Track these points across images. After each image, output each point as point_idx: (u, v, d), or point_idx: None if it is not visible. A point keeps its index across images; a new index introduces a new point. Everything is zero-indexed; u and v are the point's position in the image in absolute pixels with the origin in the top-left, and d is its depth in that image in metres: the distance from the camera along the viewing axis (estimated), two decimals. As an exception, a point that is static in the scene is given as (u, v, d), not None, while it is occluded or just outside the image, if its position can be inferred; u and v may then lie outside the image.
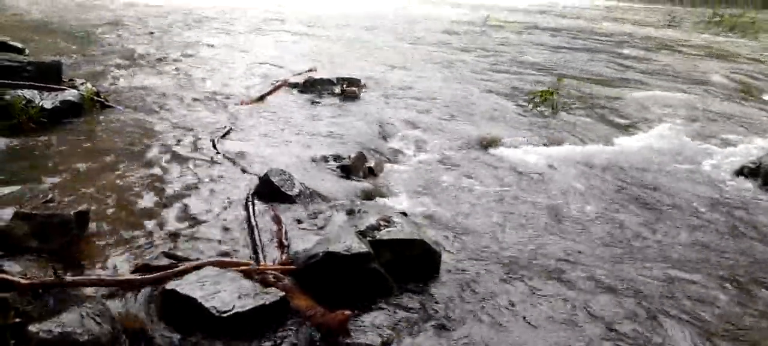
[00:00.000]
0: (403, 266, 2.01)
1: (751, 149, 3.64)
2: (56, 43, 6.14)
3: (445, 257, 2.14)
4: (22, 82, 3.57)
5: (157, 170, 2.77)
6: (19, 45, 4.66)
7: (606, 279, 2.13)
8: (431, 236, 2.24)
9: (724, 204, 2.88)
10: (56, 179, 2.54)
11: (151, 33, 7.20)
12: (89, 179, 2.57)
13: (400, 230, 2.11)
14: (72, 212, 2.06)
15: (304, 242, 2.15)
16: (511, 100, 4.83)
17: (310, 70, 5.26)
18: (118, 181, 2.59)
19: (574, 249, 2.35)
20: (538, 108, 4.51)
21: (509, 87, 5.35)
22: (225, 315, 1.62)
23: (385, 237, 2.06)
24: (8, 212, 2.06)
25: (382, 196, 2.83)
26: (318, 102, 4.41)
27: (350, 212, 2.40)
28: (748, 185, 3.12)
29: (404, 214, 2.37)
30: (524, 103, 4.67)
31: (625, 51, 8.18)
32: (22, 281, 1.60)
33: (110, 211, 2.29)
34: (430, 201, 2.76)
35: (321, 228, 2.31)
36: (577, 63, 6.90)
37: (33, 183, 2.46)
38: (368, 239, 2.04)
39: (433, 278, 2.04)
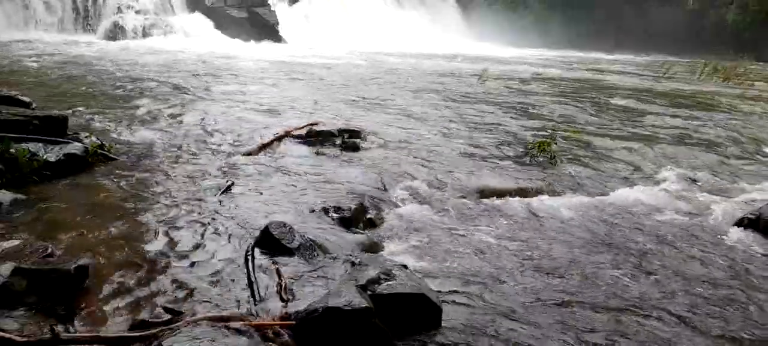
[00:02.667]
0: (404, 320, 1.99)
1: (749, 200, 3.65)
2: (64, 96, 6.26)
3: (446, 310, 2.12)
4: (27, 136, 3.63)
5: (157, 224, 2.78)
6: (27, 99, 4.76)
7: (607, 335, 2.09)
8: (432, 289, 2.22)
9: (725, 257, 2.87)
10: (57, 233, 2.54)
11: (156, 85, 7.35)
12: (90, 233, 2.57)
13: (400, 284, 2.10)
14: (71, 267, 2.06)
15: (303, 296, 2.14)
16: (510, 151, 4.88)
17: (313, 123, 5.34)
18: (118, 235, 2.59)
19: (574, 302, 2.33)
20: (536, 158, 4.55)
21: (507, 138, 5.42)
22: (222, 373, 1.59)
23: (386, 291, 2.04)
24: (8, 267, 2.05)
25: (382, 248, 2.82)
26: (319, 153, 4.46)
27: (350, 265, 2.39)
28: (749, 236, 3.11)
29: (404, 267, 2.36)
30: (522, 154, 4.72)
31: (622, 102, 8.32)
32: (18, 338, 1.59)
33: (110, 265, 2.28)
34: (430, 253, 2.76)
35: (321, 282, 2.30)
36: (574, 114, 7.01)
37: (34, 237, 2.47)
38: (368, 292, 2.03)
39: (434, 332, 2.01)
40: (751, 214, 3.25)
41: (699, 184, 4.16)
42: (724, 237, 3.11)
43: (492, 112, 6.84)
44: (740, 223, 3.24)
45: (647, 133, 5.97)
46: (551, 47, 27.49)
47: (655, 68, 15.79)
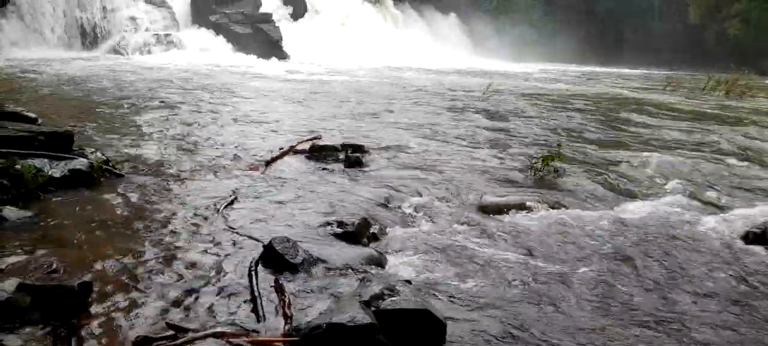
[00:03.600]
0: (408, 336, 1.98)
1: (754, 214, 3.63)
2: (70, 112, 6.31)
3: (450, 326, 2.11)
4: (33, 152, 3.65)
5: (161, 239, 2.78)
6: (33, 115, 4.79)
7: (615, 350, 2.08)
8: (436, 305, 2.21)
9: (731, 272, 2.85)
10: (61, 249, 2.55)
11: (161, 102, 7.41)
12: (94, 249, 2.58)
13: (404, 300, 2.09)
14: (75, 283, 2.06)
15: (307, 312, 2.13)
16: (514, 165, 4.88)
17: (316, 137, 5.37)
18: (122, 251, 2.59)
19: (579, 319, 2.31)
20: (541, 172, 4.54)
21: (511, 152, 5.42)
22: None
23: (390, 307, 2.03)
24: (12, 283, 2.05)
25: (386, 263, 2.81)
26: (323, 168, 4.47)
27: (354, 281, 2.38)
28: (755, 250, 3.09)
29: (408, 282, 2.35)
30: (526, 168, 4.72)
31: (626, 115, 8.33)
32: (22, 355, 1.59)
33: (114, 281, 2.28)
34: (435, 268, 2.75)
35: (325, 297, 2.29)
36: (578, 128, 7.01)
37: (38, 253, 2.47)
38: (372, 308, 2.02)
39: (439, 349, 2.00)
40: (756, 228, 3.24)
41: (703, 197, 4.15)
42: (730, 251, 3.09)
43: (495, 126, 6.85)
44: (746, 237, 3.22)
45: (651, 146, 5.97)
46: (553, 61, 27.62)
47: (657, 81, 15.83)
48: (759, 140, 6.56)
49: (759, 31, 23.88)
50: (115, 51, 17.52)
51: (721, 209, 3.87)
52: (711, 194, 4.25)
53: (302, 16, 24.90)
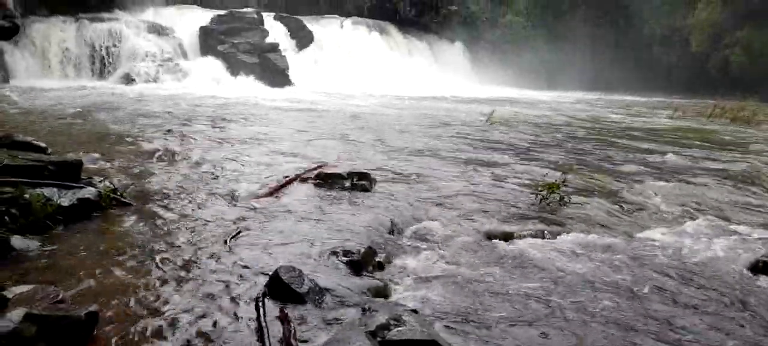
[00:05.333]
0: (415, 368, 1.96)
1: (762, 243, 3.60)
2: (79, 141, 6.39)
3: (457, 358, 2.09)
4: (42, 181, 3.69)
5: (169, 270, 2.79)
6: (43, 144, 4.86)
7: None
8: (443, 335, 2.19)
9: (740, 300, 2.82)
10: (68, 279, 2.56)
11: (169, 130, 7.49)
12: (101, 279, 2.58)
13: (410, 330, 2.08)
14: (82, 313, 2.07)
15: (313, 343, 2.12)
16: (519, 192, 4.88)
17: (322, 165, 5.40)
18: (129, 281, 2.60)
19: (590, 349, 2.28)
20: (546, 200, 4.54)
21: (516, 178, 5.42)
22: None
23: (396, 337, 2.02)
24: (18, 313, 2.06)
25: (392, 292, 2.80)
26: (329, 196, 4.48)
27: (360, 310, 2.37)
28: (763, 280, 3.05)
29: (415, 311, 2.34)
30: (532, 195, 4.71)
31: (631, 142, 8.33)
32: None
33: (120, 311, 2.28)
34: (441, 298, 2.73)
35: (331, 328, 2.28)
36: (584, 155, 7.02)
37: (45, 283, 2.48)
38: (378, 339, 2.01)
39: (446, 381, 1.98)
40: (765, 257, 3.21)
41: (710, 225, 4.12)
42: (738, 281, 3.06)
43: (500, 153, 6.87)
44: (755, 266, 3.19)
45: (657, 173, 5.96)
46: (557, 89, 27.79)
47: (662, 108, 15.87)
48: (763, 166, 6.53)
49: (761, 59, 23.98)
50: (125, 80, 17.79)
51: (730, 237, 3.84)
52: (719, 222, 4.22)
53: (308, 46, 25.26)
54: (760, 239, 3.77)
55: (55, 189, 3.61)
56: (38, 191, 3.50)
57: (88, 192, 3.70)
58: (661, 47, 29.48)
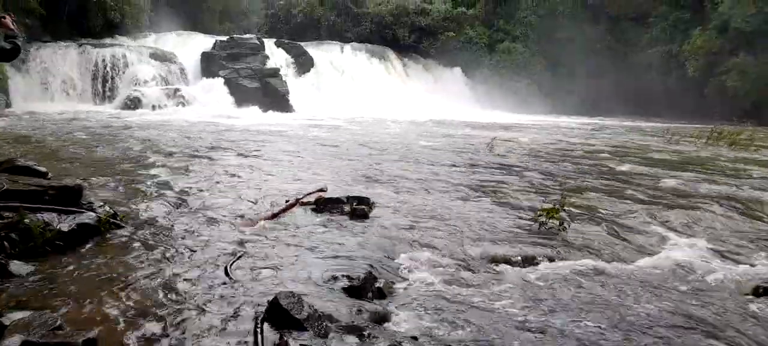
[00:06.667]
0: (414, 396, 1.94)
1: (762, 268, 3.59)
2: (80, 165, 6.41)
3: (457, 385, 2.07)
4: (42, 206, 3.70)
5: (167, 295, 2.78)
6: (43, 169, 4.89)
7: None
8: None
9: (741, 328, 2.80)
10: (67, 305, 2.55)
11: (171, 155, 7.52)
12: (99, 305, 2.57)
13: (410, 357, 2.06)
14: (80, 340, 2.06)
15: (312, 370, 2.10)
16: (519, 217, 4.88)
17: (321, 190, 5.41)
18: (127, 307, 2.59)
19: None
20: (546, 225, 4.54)
21: (516, 204, 5.43)
22: None
23: (396, 365, 2.01)
24: (16, 340, 2.05)
25: (392, 318, 2.78)
26: (328, 221, 4.48)
27: (359, 337, 2.36)
28: (763, 305, 3.04)
29: (415, 338, 2.32)
30: (531, 220, 4.72)
31: (629, 167, 8.36)
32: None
33: (120, 338, 2.27)
34: (441, 325, 2.71)
35: (329, 355, 2.26)
36: (582, 179, 7.04)
37: (44, 308, 2.47)
38: (378, 366, 1.99)
39: (446, 409, 1.96)
40: (764, 282, 3.20)
41: (710, 251, 4.11)
42: (738, 307, 3.05)
43: (500, 178, 6.89)
44: (755, 292, 3.18)
45: (656, 198, 5.97)
46: (555, 113, 27.97)
47: (658, 133, 15.95)
48: (764, 193, 6.55)
49: (756, 84, 24.21)
50: (127, 106, 17.93)
51: (729, 262, 3.83)
52: (718, 247, 4.21)
53: (308, 70, 25.53)
54: (761, 264, 3.77)
55: (55, 214, 3.62)
56: (39, 216, 3.51)
57: (88, 217, 3.71)
58: (658, 73, 29.78)
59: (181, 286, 2.91)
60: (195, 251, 3.52)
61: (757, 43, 24.47)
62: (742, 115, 23.23)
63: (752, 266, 3.74)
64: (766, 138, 14.56)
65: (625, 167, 8.37)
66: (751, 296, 3.16)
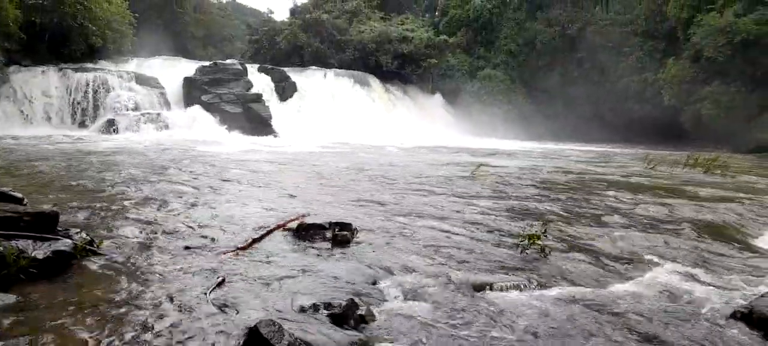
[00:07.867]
0: None
1: (740, 293, 3.66)
2: (57, 191, 6.29)
3: (440, 414, 2.05)
4: (17, 233, 3.61)
5: (145, 324, 2.72)
6: (19, 195, 4.78)
7: None
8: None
9: (721, 351, 2.84)
10: (41, 335, 2.47)
11: (149, 180, 7.43)
12: (75, 335, 2.50)
13: (392, 386, 2.04)
14: (53, 371, 2.00)
15: (292, 400, 2.06)
16: (501, 245, 4.90)
17: (303, 216, 5.38)
18: (105, 336, 2.53)
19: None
20: (527, 251, 4.57)
21: (498, 229, 5.46)
22: None
23: (378, 394, 1.99)
24: (-13, 372, 1.98)
25: (375, 345, 2.76)
26: (310, 247, 4.45)
27: (341, 366, 2.33)
28: (742, 329, 3.09)
29: (397, 367, 2.30)
30: (513, 246, 4.74)
31: (609, 193, 8.49)
32: None
33: (93, 369, 2.21)
34: (423, 352, 2.69)
35: (311, 384, 2.23)
36: (563, 207, 7.12)
37: (15, 337, 2.40)
38: (360, 395, 1.97)
39: None
40: (743, 308, 3.25)
41: (689, 276, 4.17)
42: (718, 331, 3.09)
43: (482, 205, 6.93)
44: (734, 316, 3.23)
45: (635, 224, 6.06)
46: (533, 139, 28.40)
47: (636, 159, 16.27)
48: (738, 217, 6.70)
49: (729, 112, 24.97)
50: (106, 130, 17.73)
51: (708, 286, 3.89)
52: (696, 272, 4.28)
53: (291, 96, 25.62)
54: (738, 288, 3.84)
55: (30, 241, 3.54)
56: (13, 243, 3.42)
57: (64, 244, 3.63)
58: (635, 101, 30.54)
59: (160, 314, 2.85)
60: (174, 278, 3.46)
61: (729, 72, 25.31)
62: (717, 142, 23.89)
63: (732, 290, 3.80)
64: (739, 165, 14.96)
65: (604, 192, 8.50)
66: (730, 320, 3.21)
